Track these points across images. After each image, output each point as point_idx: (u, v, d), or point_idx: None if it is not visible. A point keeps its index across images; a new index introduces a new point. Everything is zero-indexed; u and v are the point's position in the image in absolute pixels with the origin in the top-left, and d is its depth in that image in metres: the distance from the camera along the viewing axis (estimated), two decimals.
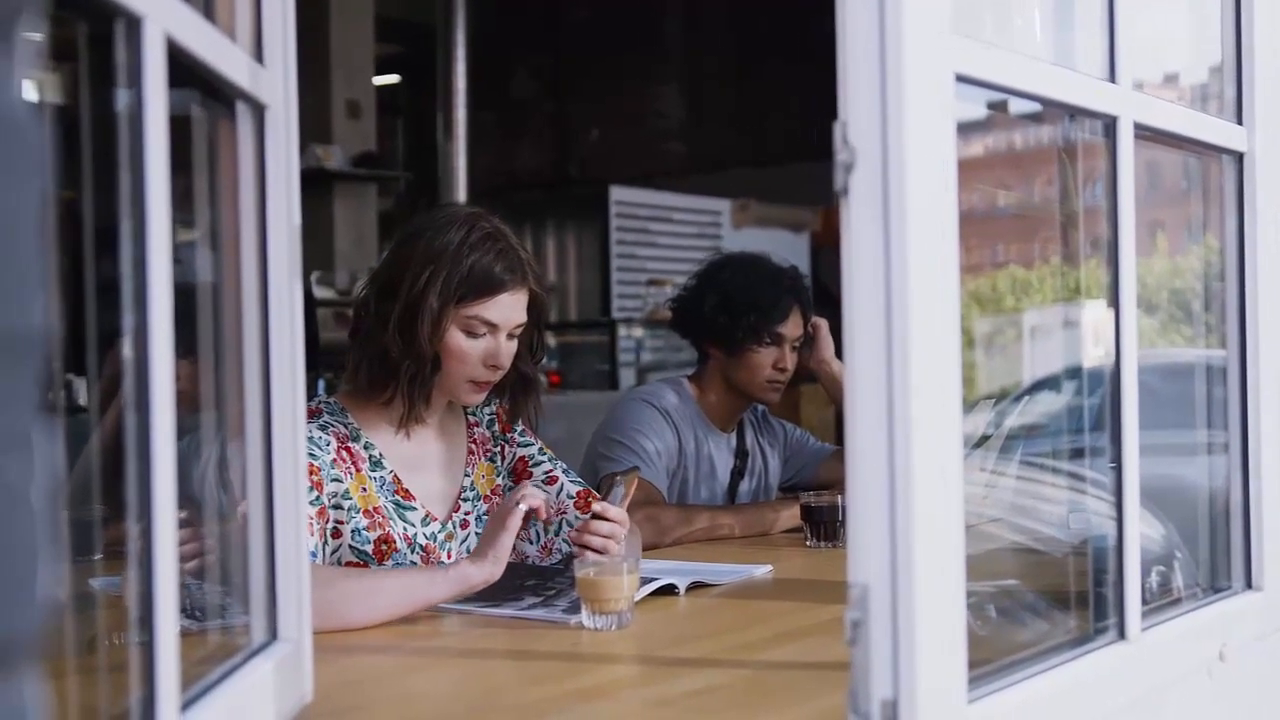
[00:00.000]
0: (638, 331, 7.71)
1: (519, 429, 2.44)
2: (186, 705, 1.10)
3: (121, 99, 1.01)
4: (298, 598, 1.41)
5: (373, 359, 2.21)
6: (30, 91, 0.61)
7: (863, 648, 1.19)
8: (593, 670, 1.72)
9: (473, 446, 2.39)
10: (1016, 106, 1.58)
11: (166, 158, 1.02)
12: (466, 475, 2.36)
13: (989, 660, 1.36)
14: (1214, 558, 1.89)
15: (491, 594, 2.04)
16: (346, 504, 2.17)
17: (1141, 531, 1.58)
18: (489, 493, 2.38)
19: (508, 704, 1.55)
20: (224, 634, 1.41)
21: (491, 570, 1.95)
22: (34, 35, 0.62)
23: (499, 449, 2.42)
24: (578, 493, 2.38)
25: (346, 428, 2.23)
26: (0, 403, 0.57)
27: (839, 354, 3.13)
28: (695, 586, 2.19)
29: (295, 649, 1.40)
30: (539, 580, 2.15)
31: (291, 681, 1.39)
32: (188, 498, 1.17)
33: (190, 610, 1.32)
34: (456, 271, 2.17)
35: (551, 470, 2.41)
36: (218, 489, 1.50)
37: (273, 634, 1.39)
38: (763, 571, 2.37)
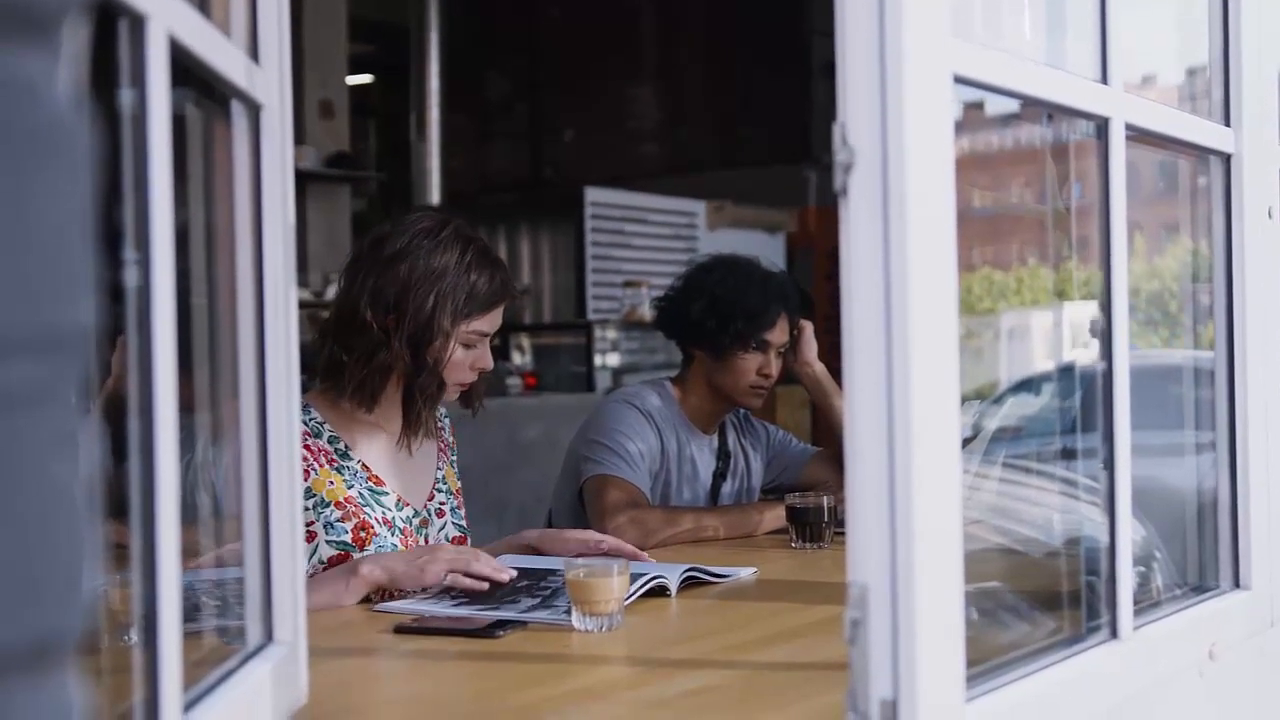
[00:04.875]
0: (613, 333, 7.70)
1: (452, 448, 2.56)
2: (187, 708, 1.09)
3: (123, 97, 1.01)
4: (293, 600, 1.40)
5: (377, 372, 2.27)
6: (75, 90, 0.61)
7: (861, 647, 1.19)
8: (586, 672, 1.72)
9: (441, 445, 2.49)
10: (993, 107, 1.58)
11: (169, 156, 1.02)
12: (439, 468, 2.46)
13: (985, 660, 1.36)
14: (1202, 557, 1.90)
15: (487, 597, 2.04)
16: (311, 500, 2.21)
17: None
18: (456, 489, 2.49)
19: (502, 706, 1.55)
20: (219, 636, 1.41)
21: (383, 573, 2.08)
22: (76, 35, 0.62)
23: (454, 457, 2.54)
24: (454, 538, 2.47)
25: (308, 424, 2.25)
26: (49, 401, 0.57)
27: (821, 355, 3.14)
28: (687, 584, 2.20)
29: (291, 651, 1.39)
30: (530, 581, 2.14)
31: (287, 684, 1.38)
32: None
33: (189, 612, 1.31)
34: (462, 292, 2.27)
35: (457, 503, 2.51)
36: (202, 491, 1.50)
37: (268, 636, 1.38)
38: (749, 573, 2.37)
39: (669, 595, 2.13)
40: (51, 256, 0.57)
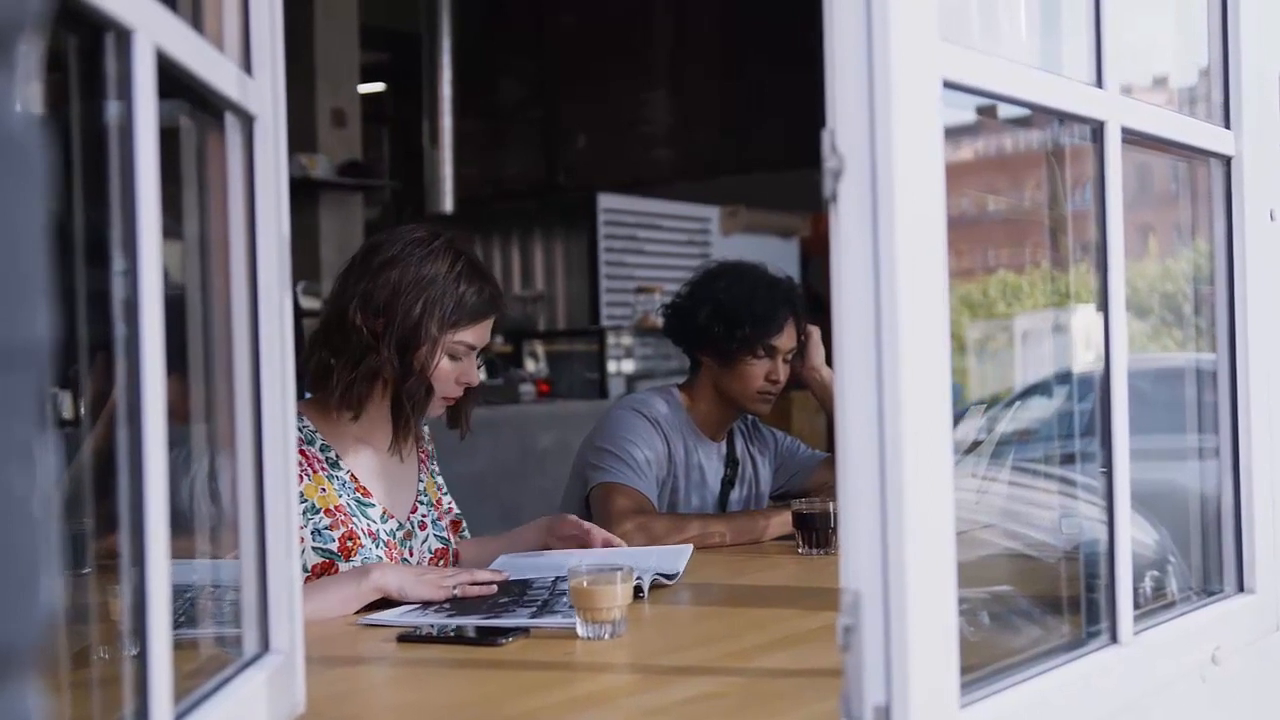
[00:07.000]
0: (627, 339, 7.70)
1: (433, 455, 2.58)
2: (179, 717, 1.09)
3: (111, 110, 1.01)
4: (289, 610, 1.41)
5: (364, 377, 2.30)
6: (31, 105, 0.61)
7: (855, 653, 1.19)
8: (587, 679, 1.72)
9: (422, 457, 2.52)
10: (1005, 111, 1.58)
11: (157, 169, 1.02)
12: (420, 481, 2.48)
13: (981, 665, 1.36)
14: (1205, 561, 1.89)
15: (475, 609, 2.04)
16: (302, 506, 2.23)
17: (1134, 537, 1.59)
18: (436, 500, 2.51)
19: (502, 714, 1.55)
20: (216, 645, 1.41)
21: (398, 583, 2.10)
22: (34, 49, 0.62)
23: (434, 466, 2.56)
24: (436, 549, 2.47)
25: (301, 431, 2.27)
26: (4, 413, 0.57)
27: (829, 361, 3.13)
28: (656, 586, 2.24)
29: (287, 661, 1.40)
30: (513, 596, 2.14)
31: (283, 693, 1.39)
32: (178, 511, 1.17)
33: (181, 621, 1.31)
34: (450, 300, 2.30)
35: (437, 515, 2.51)
36: (207, 502, 1.50)
37: (265, 645, 1.38)
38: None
39: (643, 598, 2.14)
40: (6, 270, 0.58)
